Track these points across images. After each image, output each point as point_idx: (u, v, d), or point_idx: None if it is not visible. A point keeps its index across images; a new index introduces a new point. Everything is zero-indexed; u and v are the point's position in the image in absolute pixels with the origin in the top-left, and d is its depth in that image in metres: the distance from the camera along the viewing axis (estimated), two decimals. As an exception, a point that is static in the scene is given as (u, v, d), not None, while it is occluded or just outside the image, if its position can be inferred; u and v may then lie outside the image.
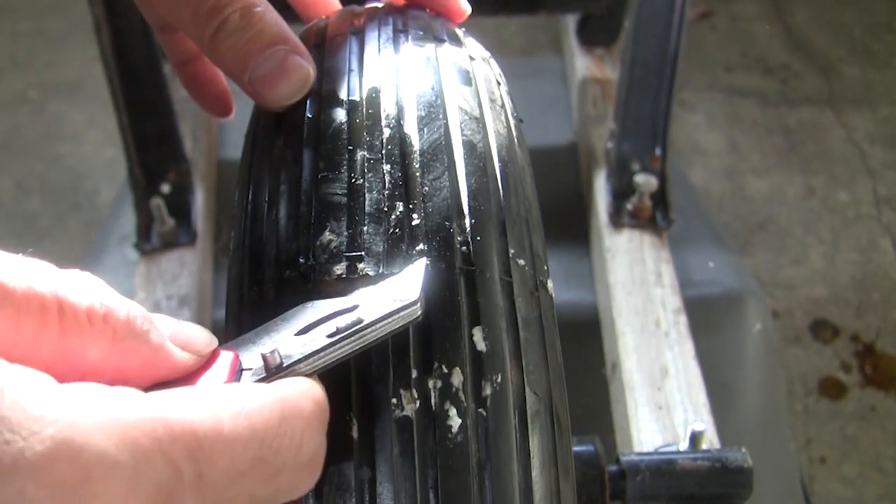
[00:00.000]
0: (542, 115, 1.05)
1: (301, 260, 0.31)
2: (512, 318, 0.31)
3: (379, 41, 0.37)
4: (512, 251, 0.32)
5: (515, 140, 0.36)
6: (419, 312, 0.28)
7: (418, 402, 0.28)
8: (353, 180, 0.32)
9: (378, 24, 0.39)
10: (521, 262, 0.32)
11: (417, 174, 0.32)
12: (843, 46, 2.23)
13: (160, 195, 0.83)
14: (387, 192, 0.32)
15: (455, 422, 0.28)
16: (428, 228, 0.31)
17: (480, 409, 0.29)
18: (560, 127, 1.03)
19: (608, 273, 0.78)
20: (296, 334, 0.28)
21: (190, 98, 0.50)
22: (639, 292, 0.75)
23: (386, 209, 0.31)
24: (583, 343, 0.80)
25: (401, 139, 0.33)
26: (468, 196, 0.32)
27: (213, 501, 0.22)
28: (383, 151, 0.33)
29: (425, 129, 0.33)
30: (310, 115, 0.35)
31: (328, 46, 0.38)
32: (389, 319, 0.28)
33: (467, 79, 0.36)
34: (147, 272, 0.80)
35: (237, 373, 0.27)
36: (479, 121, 0.35)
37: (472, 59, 0.38)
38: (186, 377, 0.27)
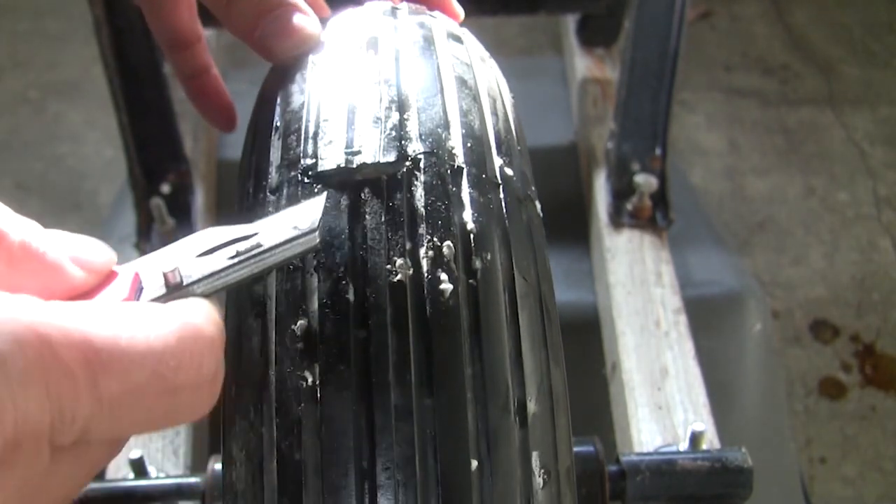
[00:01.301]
0: (542, 115, 1.05)
1: (303, 161, 0.33)
2: (500, 211, 0.33)
3: (377, 11, 0.41)
4: (500, 162, 0.34)
5: (500, 90, 0.39)
6: (317, 240, 0.29)
7: (412, 270, 0.30)
8: (353, 98, 0.35)
9: (375, 3, 0.42)
10: (510, 172, 0.35)
11: (412, 92, 0.35)
12: (843, 46, 2.23)
13: (160, 195, 0.83)
14: (384, 105, 0.34)
15: (447, 287, 0.30)
16: (422, 132, 0.33)
17: (471, 280, 0.31)
18: (560, 127, 1.03)
19: (608, 273, 0.78)
20: (197, 256, 0.29)
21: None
22: (639, 292, 0.75)
23: (383, 118, 0.33)
24: (583, 343, 0.80)
25: (397, 70, 0.36)
26: (460, 113, 0.34)
27: (108, 408, 0.23)
28: (381, 77, 0.35)
29: (420, 64, 0.36)
30: (314, 62, 0.38)
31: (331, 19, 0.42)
32: (288, 245, 0.29)
33: (458, 39, 0.40)
34: (147, 272, 0.80)
35: (137, 291, 0.28)
36: (470, 67, 0.38)
37: (463, 35, 0.42)
38: (85, 294, 0.27)
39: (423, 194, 0.31)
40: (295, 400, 0.29)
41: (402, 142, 0.33)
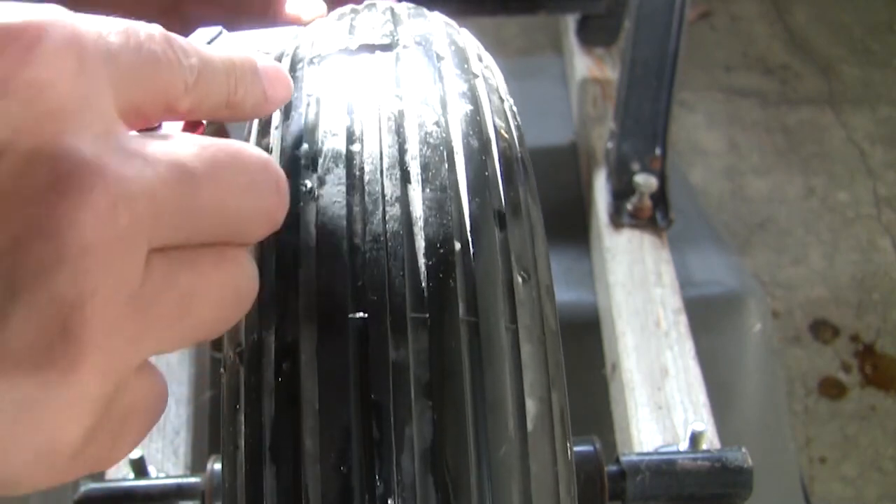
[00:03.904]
0: (542, 115, 1.05)
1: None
2: (475, 87, 0.34)
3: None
4: (481, 67, 0.36)
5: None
6: None
7: (401, 106, 0.32)
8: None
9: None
10: (489, 75, 0.36)
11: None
12: (843, 46, 2.23)
13: (160, 195, 0.83)
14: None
15: (431, 117, 0.32)
16: None
17: (451, 119, 0.33)
18: (560, 127, 1.03)
19: (608, 273, 0.78)
20: None
21: None
22: (639, 292, 0.75)
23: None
24: (583, 343, 0.80)
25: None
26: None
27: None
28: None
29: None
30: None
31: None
32: None
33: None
34: (147, 272, 0.80)
35: None
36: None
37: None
38: None
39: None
40: (296, 202, 0.30)
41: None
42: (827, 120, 2.05)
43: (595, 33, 1.05)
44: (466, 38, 0.39)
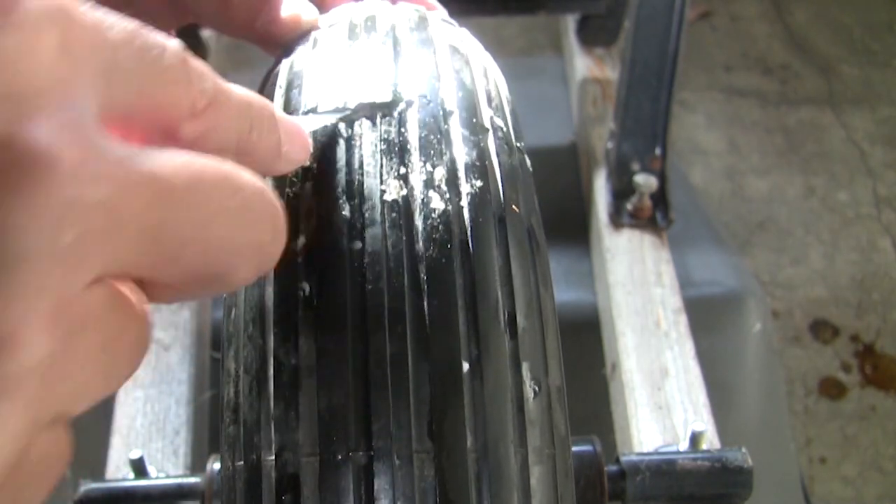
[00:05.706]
0: (542, 115, 1.05)
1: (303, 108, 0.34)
2: (485, 151, 0.33)
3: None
4: (490, 114, 0.34)
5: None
6: None
7: (404, 191, 0.30)
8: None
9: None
10: (499, 122, 0.34)
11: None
12: (843, 46, 2.23)
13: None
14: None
15: (438, 205, 0.30)
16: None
17: (461, 203, 0.31)
18: (560, 127, 1.03)
19: (608, 273, 0.78)
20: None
21: None
22: (639, 292, 0.75)
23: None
24: (583, 343, 0.80)
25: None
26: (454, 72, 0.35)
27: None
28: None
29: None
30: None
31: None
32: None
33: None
34: (147, 272, 0.80)
35: None
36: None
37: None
38: None
39: (414, 132, 0.32)
40: (294, 309, 0.29)
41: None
42: (827, 120, 2.05)
43: (595, 33, 1.05)
44: (473, 66, 0.37)
